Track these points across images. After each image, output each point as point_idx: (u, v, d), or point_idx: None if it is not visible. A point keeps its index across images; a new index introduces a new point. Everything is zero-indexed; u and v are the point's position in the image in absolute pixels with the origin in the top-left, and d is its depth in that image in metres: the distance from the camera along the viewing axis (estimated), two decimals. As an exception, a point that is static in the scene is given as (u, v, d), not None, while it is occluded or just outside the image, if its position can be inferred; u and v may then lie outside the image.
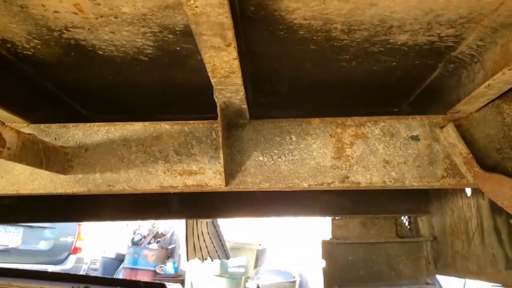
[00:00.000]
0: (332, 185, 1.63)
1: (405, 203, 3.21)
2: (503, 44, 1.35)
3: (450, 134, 1.60)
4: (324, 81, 1.77)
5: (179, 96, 1.89)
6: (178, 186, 1.62)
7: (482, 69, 1.46)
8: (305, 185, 1.63)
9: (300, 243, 9.24)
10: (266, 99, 1.89)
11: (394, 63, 1.61)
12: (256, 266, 8.99)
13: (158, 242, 9.56)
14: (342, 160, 1.64)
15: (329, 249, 3.22)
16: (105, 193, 1.69)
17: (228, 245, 8.83)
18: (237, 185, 1.62)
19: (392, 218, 3.37)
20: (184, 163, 1.62)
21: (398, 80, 1.76)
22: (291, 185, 1.63)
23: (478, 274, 2.62)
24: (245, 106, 1.53)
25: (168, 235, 9.57)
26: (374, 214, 3.29)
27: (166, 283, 4.00)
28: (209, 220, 4.13)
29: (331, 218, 3.40)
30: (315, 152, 1.65)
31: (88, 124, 1.72)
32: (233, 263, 8.61)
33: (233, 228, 9.31)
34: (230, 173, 1.61)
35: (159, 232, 9.61)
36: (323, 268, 3.23)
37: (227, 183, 1.60)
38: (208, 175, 1.61)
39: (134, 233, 9.82)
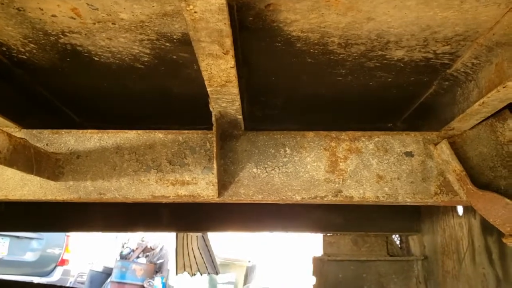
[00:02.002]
0: (325, 199, 1.62)
1: (397, 221, 3.21)
2: (497, 63, 1.36)
3: (444, 151, 1.60)
4: (320, 95, 1.78)
5: (175, 106, 1.88)
6: (170, 196, 1.60)
7: (476, 87, 1.47)
8: (298, 198, 1.62)
9: (290, 260, 9.18)
10: (262, 111, 1.89)
11: (389, 79, 1.62)
12: (245, 283, 8.91)
13: (147, 256, 9.46)
14: (336, 174, 1.63)
15: (320, 266, 3.20)
16: (96, 201, 1.67)
17: (217, 261, 8.79)
18: (230, 197, 1.61)
19: (383, 236, 3.36)
20: (177, 173, 1.61)
21: (393, 96, 1.76)
22: (284, 197, 1.62)
23: (469, 295, 2.61)
24: (240, 117, 1.52)
25: (157, 250, 9.47)
26: (365, 232, 3.28)
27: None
28: (199, 234, 4.10)
29: (322, 235, 3.39)
30: (309, 165, 1.64)
31: (81, 131, 1.70)
32: (222, 279, 8.52)
33: (223, 244, 9.24)
34: (223, 184, 1.60)
35: (148, 247, 9.51)
36: (313, 285, 3.20)
37: (219, 194, 1.58)
38: (201, 185, 1.60)
39: (123, 246, 9.71)
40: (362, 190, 1.62)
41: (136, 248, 9.49)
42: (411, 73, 1.57)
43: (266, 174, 1.63)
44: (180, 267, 4.06)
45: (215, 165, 1.52)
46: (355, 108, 1.89)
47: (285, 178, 1.63)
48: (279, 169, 1.63)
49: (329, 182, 1.63)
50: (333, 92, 1.74)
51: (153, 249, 9.48)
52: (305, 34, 1.32)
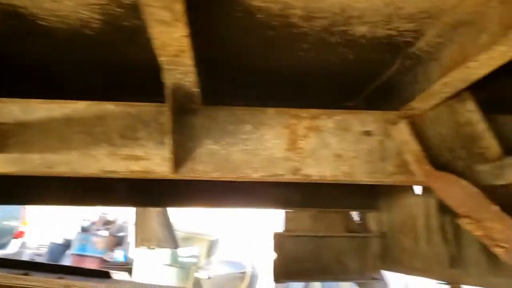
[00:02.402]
0: (284, 177, 1.59)
1: (356, 198, 3.23)
2: (461, 42, 1.33)
3: (402, 131, 1.58)
4: (283, 71, 1.73)
5: (130, 77, 1.79)
6: (121, 172, 1.53)
7: (439, 66, 1.45)
8: (256, 176, 1.58)
9: (253, 234, 9.25)
10: (222, 86, 1.82)
11: (351, 56, 1.58)
12: (208, 256, 8.93)
13: (108, 229, 9.33)
14: (295, 152, 1.60)
15: (280, 242, 3.20)
16: (43, 174, 1.58)
17: (180, 235, 8.75)
18: (186, 173, 1.55)
19: (342, 213, 3.39)
20: (129, 148, 1.53)
21: (355, 74, 1.73)
22: (242, 175, 1.58)
23: (423, 272, 2.67)
24: (197, 90, 1.45)
25: (119, 223, 9.36)
26: (325, 208, 3.29)
27: (111, 271, 3.87)
28: (159, 209, 4.04)
29: (284, 211, 3.38)
30: (269, 143, 1.60)
31: (27, 100, 1.59)
32: (184, 253, 8.51)
33: (186, 217, 9.21)
34: (178, 161, 1.53)
35: (109, 219, 9.38)
36: (273, 260, 3.21)
37: (175, 170, 1.52)
38: (155, 161, 1.53)
39: (84, 219, 9.54)
40: (321, 169, 1.59)
41: (97, 221, 9.34)
42: (374, 51, 1.54)
43: (225, 151, 1.58)
44: (139, 241, 4.01)
45: (169, 140, 1.46)
46: (318, 85, 1.84)
47: (244, 155, 1.58)
48: (238, 146, 1.58)
49: (288, 160, 1.60)
50: (295, 68, 1.69)
51: (114, 222, 9.35)
52: (266, 4, 1.26)
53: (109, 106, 1.56)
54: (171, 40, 1.09)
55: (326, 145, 1.61)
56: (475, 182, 1.55)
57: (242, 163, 1.57)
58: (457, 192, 1.51)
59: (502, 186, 1.52)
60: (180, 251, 8.48)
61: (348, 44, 1.50)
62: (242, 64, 1.66)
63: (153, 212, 4.21)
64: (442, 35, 1.40)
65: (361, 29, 1.40)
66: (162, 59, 1.21)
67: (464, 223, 1.50)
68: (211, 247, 8.92)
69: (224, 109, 1.60)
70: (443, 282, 2.51)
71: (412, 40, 1.47)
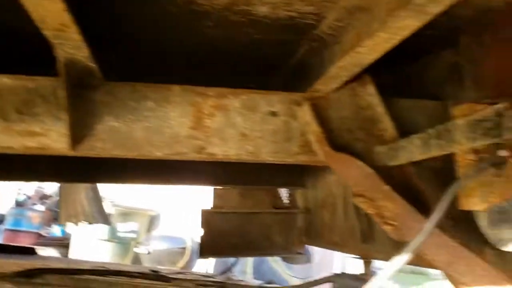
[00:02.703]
0: (188, 156, 1.58)
1: (283, 176, 3.29)
2: (357, 27, 1.36)
3: (306, 113, 1.62)
4: (191, 49, 1.71)
5: (28, 49, 1.71)
6: (17, 148, 1.48)
7: (340, 50, 1.48)
8: (159, 154, 1.57)
9: (194, 210, 9.26)
10: (125, 62, 1.78)
11: (258, 36, 1.58)
12: (148, 231, 8.88)
13: (44, 203, 9.06)
14: (200, 130, 1.60)
15: (208, 218, 3.23)
16: None
17: (119, 210, 8.63)
18: (84, 151, 1.52)
19: (269, 190, 3.45)
20: (26, 123, 1.48)
21: (264, 54, 1.74)
22: (145, 153, 1.56)
23: (341, 246, 2.78)
24: (94, 65, 1.41)
25: (56, 197, 9.10)
26: (253, 185, 3.34)
27: (37, 248, 3.79)
28: (88, 185, 3.97)
29: (213, 188, 3.40)
30: (173, 121, 1.59)
31: None
32: (123, 228, 8.43)
33: (126, 192, 9.09)
34: (76, 137, 1.49)
35: (46, 193, 9.10)
36: (201, 237, 3.24)
37: (72, 147, 1.48)
38: (52, 137, 1.48)
39: (18, 193, 9.21)
40: (226, 148, 1.60)
41: (33, 195, 9.05)
42: (279, 32, 1.55)
43: (127, 128, 1.55)
44: (64, 217, 3.91)
45: (66, 116, 1.42)
46: (228, 64, 1.84)
47: (147, 133, 1.56)
48: (141, 123, 1.56)
49: (192, 138, 1.59)
50: (203, 46, 1.67)
51: (51, 196, 9.09)
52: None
53: (5, 80, 1.49)
54: (49, 13, 1.05)
55: (232, 124, 1.61)
56: (373, 163, 1.62)
57: (144, 141, 1.55)
58: (353, 172, 1.57)
59: (396, 166, 1.60)
60: (119, 226, 8.39)
61: (253, 24, 1.50)
62: (147, 41, 1.63)
63: (81, 187, 4.12)
64: (341, 19, 1.42)
65: (262, 9, 1.40)
66: (47, 33, 1.17)
67: (358, 201, 1.56)
68: (151, 222, 8.87)
69: (126, 85, 1.56)
70: (357, 256, 2.63)
71: (314, 23, 1.49)
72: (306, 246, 3.50)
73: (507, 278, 1.34)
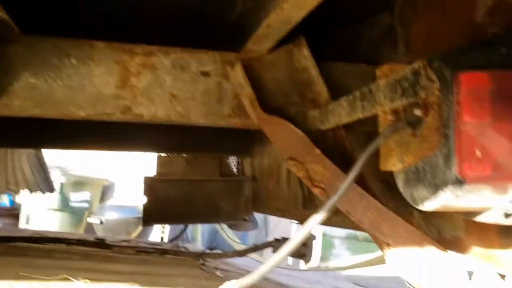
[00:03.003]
0: (113, 116, 1.52)
1: (231, 144, 3.26)
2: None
3: (238, 74, 1.57)
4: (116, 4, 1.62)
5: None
6: None
7: (273, 9, 1.43)
8: (82, 114, 1.49)
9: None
10: (50, 16, 1.67)
11: None
12: (101, 201, 8.73)
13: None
14: (127, 90, 1.53)
15: (151, 185, 3.17)
16: None
17: (72, 179, 8.42)
18: (0, 109, 1.42)
19: (217, 158, 3.42)
20: None
21: (201, 12, 1.67)
22: (66, 113, 1.48)
23: (284, 212, 2.79)
24: (6, 18, 1.31)
25: (3, 166, 8.76)
26: (200, 153, 3.30)
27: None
28: (31, 151, 3.81)
29: (156, 155, 3.34)
30: (97, 79, 1.51)
31: None
32: (75, 198, 8.25)
33: (79, 161, 8.87)
34: (-9, 94, 1.40)
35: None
36: (143, 205, 3.18)
37: (-14, 105, 1.39)
38: (-36, 94, 1.39)
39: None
40: (154, 109, 1.54)
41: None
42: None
43: (47, 86, 1.47)
44: (3, 184, 3.77)
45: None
46: (170, 23, 1.76)
47: (68, 91, 1.48)
48: (62, 81, 1.48)
49: (118, 98, 1.52)
50: (133, 3, 1.59)
51: (-1, 165, 8.75)
52: None
53: None
54: None
55: (160, 84, 1.55)
56: (306, 127, 1.60)
57: (66, 100, 1.47)
58: (285, 135, 1.55)
59: (329, 130, 1.59)
60: (72, 196, 8.21)
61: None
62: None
63: (23, 153, 3.95)
64: (272, -25, 1.37)
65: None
66: None
67: (289, 165, 1.54)
68: (105, 191, 8.71)
69: (47, 40, 1.47)
70: (298, 221, 2.65)
71: (246, -21, 1.43)
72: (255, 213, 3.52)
73: (430, 239, 1.36)
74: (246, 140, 3.29)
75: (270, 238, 5.47)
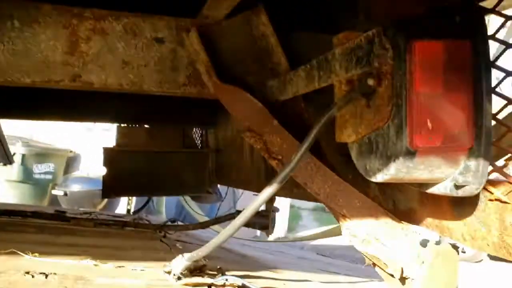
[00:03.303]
0: (61, 83, 1.44)
1: (195, 115, 3.19)
2: None
3: (194, 40, 1.51)
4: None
5: None
6: None
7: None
8: (27, 81, 1.41)
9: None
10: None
11: None
12: (66, 173, 8.55)
13: None
14: (76, 56, 1.45)
15: (112, 157, 3.09)
16: None
17: (34, 150, 8.18)
18: None
19: (180, 129, 3.35)
20: None
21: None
22: (10, 79, 1.40)
23: (246, 184, 2.77)
24: None
25: (-38, 136, 8.45)
26: (162, 124, 3.23)
27: None
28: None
29: (116, 126, 3.25)
30: (44, 44, 1.42)
31: None
32: (38, 169, 8.04)
33: (43, 131, 8.64)
34: None
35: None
36: (103, 176, 3.11)
37: None
38: None
39: None
40: (105, 76, 1.47)
41: None
42: None
43: (-13, 50, 1.38)
44: (-46, 155, 3.61)
45: None
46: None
47: (12, 57, 1.39)
48: (4, 45, 1.39)
49: (66, 65, 1.45)
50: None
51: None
52: None
53: None
54: None
55: (111, 50, 1.48)
56: (264, 97, 1.56)
57: (9, 65, 1.39)
58: (241, 106, 1.51)
59: (289, 101, 1.55)
60: (35, 167, 8.01)
61: None
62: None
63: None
64: None
65: None
66: None
67: (246, 136, 1.51)
68: (69, 163, 8.53)
69: (-14, 1, 1.37)
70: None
71: None
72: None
73: (385, 211, 1.36)
74: (210, 111, 3.23)
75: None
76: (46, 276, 1.16)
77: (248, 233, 4.98)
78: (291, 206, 10.60)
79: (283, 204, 9.85)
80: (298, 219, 11.75)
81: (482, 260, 9.05)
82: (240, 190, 5.82)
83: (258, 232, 6.98)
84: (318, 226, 10.71)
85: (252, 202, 1.19)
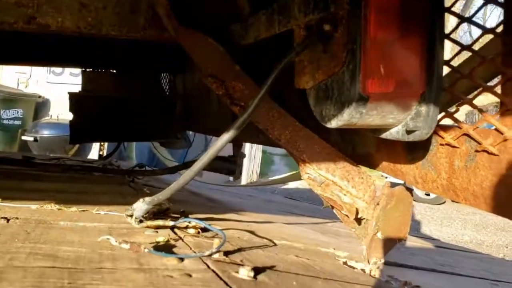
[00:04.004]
0: (15, 26, 1.39)
1: (163, 60, 3.13)
2: None
3: (153, -19, 1.46)
4: None
5: None
6: None
7: None
8: (-20, 23, 1.36)
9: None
10: None
11: None
12: (35, 118, 8.39)
13: None
14: (30, -3, 1.39)
15: (78, 102, 3.03)
16: None
17: (1, 95, 7.96)
18: None
19: (147, 75, 3.30)
20: None
21: None
22: (-40, 21, 1.34)
23: (213, 131, 2.79)
24: None
25: None
26: (129, 69, 3.17)
27: None
28: None
29: (81, 70, 3.17)
30: (-6, -17, 1.36)
31: None
32: (6, 115, 7.87)
33: (9, 77, 8.37)
34: None
35: None
36: (69, 121, 3.07)
37: None
38: None
39: None
40: (61, 18, 1.42)
41: None
42: None
43: None
44: None
45: None
46: None
47: (-40, -4, 1.33)
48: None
49: (20, 6, 1.39)
50: None
51: None
52: None
53: None
54: None
55: (68, -9, 1.42)
56: (227, 42, 1.54)
57: (-42, 5, 1.32)
58: (203, 50, 1.49)
59: (250, 46, 1.54)
60: (3, 113, 7.83)
61: None
62: None
63: None
64: None
65: None
66: None
67: (209, 82, 1.50)
68: (39, 108, 8.35)
69: None
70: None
71: None
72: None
73: (343, 156, 1.40)
74: (178, 57, 3.18)
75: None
76: (8, 220, 1.16)
77: (220, 178, 5.05)
78: (263, 152, 10.72)
79: (255, 150, 9.97)
80: (270, 164, 11.93)
81: (445, 202, 9.47)
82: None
83: (231, 178, 7.09)
84: (289, 171, 10.94)
85: (211, 147, 1.20)
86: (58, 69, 8.65)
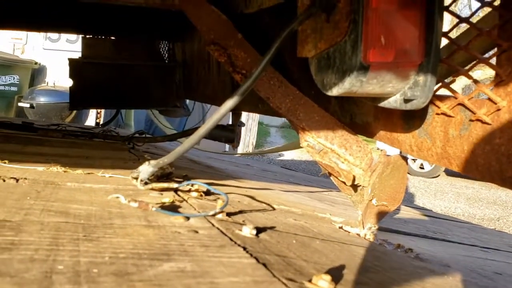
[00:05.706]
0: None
1: (162, 27, 3.13)
2: None
3: None
4: None
5: None
6: None
7: None
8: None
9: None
10: None
11: None
12: (31, 85, 8.33)
13: None
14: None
15: (77, 68, 3.04)
16: None
17: (-4, 62, 7.87)
18: None
19: (147, 42, 3.30)
20: None
21: None
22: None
23: (212, 99, 2.81)
24: None
25: None
26: (128, 36, 3.16)
27: None
28: None
29: (81, 37, 3.16)
30: None
31: None
32: (2, 81, 7.82)
33: (4, 43, 8.27)
34: None
35: None
36: (69, 87, 3.08)
37: None
38: None
39: None
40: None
41: None
42: None
43: None
44: None
45: None
46: None
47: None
48: None
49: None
50: None
51: None
52: None
53: None
54: None
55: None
56: (229, 10, 1.56)
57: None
58: (206, 18, 1.51)
59: (253, 15, 1.56)
60: (-1, 79, 7.78)
61: None
62: None
63: None
64: None
65: None
66: None
67: (211, 49, 1.52)
68: (36, 75, 8.29)
69: None
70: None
71: None
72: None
73: (342, 125, 1.44)
74: (178, 24, 3.17)
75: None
76: (17, 180, 1.20)
77: (217, 148, 5.09)
78: (260, 123, 10.75)
79: (251, 121, 10.00)
80: (266, 135, 11.98)
81: (439, 175, 9.61)
82: (209, 104, 5.86)
83: (227, 147, 7.12)
84: (285, 142, 11.00)
85: (214, 114, 1.24)
86: (54, 36, 8.54)
